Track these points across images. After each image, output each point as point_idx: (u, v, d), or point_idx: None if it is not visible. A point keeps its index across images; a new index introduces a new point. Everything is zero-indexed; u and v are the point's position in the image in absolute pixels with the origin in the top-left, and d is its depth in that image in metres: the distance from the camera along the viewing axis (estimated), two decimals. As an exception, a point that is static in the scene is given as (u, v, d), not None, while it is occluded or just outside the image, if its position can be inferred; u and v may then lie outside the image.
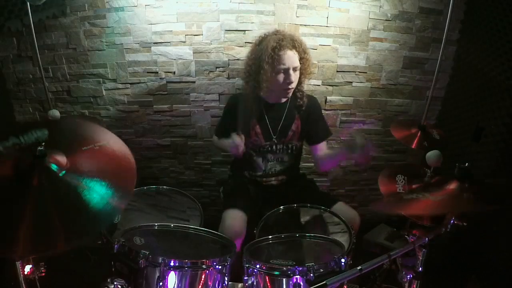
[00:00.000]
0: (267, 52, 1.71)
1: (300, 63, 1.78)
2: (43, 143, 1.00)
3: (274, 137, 1.93)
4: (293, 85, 1.79)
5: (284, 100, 1.92)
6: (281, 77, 1.75)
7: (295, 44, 1.75)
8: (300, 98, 1.92)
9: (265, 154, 1.95)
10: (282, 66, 1.72)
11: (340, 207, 1.82)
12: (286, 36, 1.75)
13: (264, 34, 1.82)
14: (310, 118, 1.95)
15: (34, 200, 0.92)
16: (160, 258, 1.21)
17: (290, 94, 1.85)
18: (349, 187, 2.81)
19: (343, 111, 2.56)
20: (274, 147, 1.94)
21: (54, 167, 0.98)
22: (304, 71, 1.83)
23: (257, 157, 1.97)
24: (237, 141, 1.75)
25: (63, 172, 0.99)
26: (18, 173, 0.96)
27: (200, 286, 1.26)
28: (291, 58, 1.73)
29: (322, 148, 2.00)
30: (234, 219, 1.77)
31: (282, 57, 1.71)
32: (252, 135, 1.91)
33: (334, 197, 2.00)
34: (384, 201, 1.44)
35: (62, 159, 1.01)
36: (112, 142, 1.12)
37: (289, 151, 1.97)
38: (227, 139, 1.83)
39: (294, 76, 1.76)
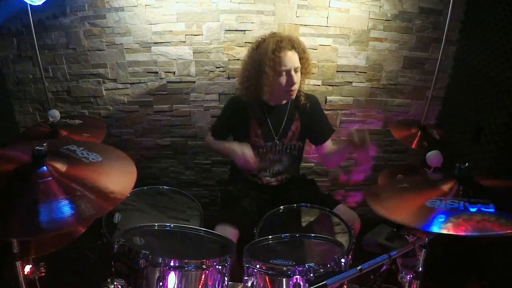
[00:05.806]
0: (268, 55, 1.69)
1: (300, 63, 1.76)
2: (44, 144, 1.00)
3: (276, 138, 1.92)
4: (296, 86, 1.78)
5: (285, 101, 1.91)
6: (283, 79, 1.73)
7: (294, 44, 1.73)
8: (301, 96, 1.92)
9: (264, 154, 1.95)
10: (284, 68, 1.71)
11: (341, 209, 1.81)
12: (284, 37, 1.73)
13: (261, 38, 1.80)
14: (312, 119, 1.95)
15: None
16: (160, 258, 1.21)
17: (294, 96, 1.83)
18: (349, 187, 2.82)
19: (343, 111, 2.56)
20: (274, 147, 1.94)
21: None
22: (304, 71, 1.82)
23: (256, 157, 1.96)
24: (249, 153, 1.74)
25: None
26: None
27: (200, 286, 1.26)
28: (291, 58, 1.71)
29: (328, 145, 2.00)
30: None
31: (283, 58, 1.69)
32: (252, 136, 1.91)
33: (335, 200, 2.00)
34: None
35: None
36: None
37: (289, 151, 1.96)
38: (230, 144, 1.83)
39: (296, 77, 1.75)
